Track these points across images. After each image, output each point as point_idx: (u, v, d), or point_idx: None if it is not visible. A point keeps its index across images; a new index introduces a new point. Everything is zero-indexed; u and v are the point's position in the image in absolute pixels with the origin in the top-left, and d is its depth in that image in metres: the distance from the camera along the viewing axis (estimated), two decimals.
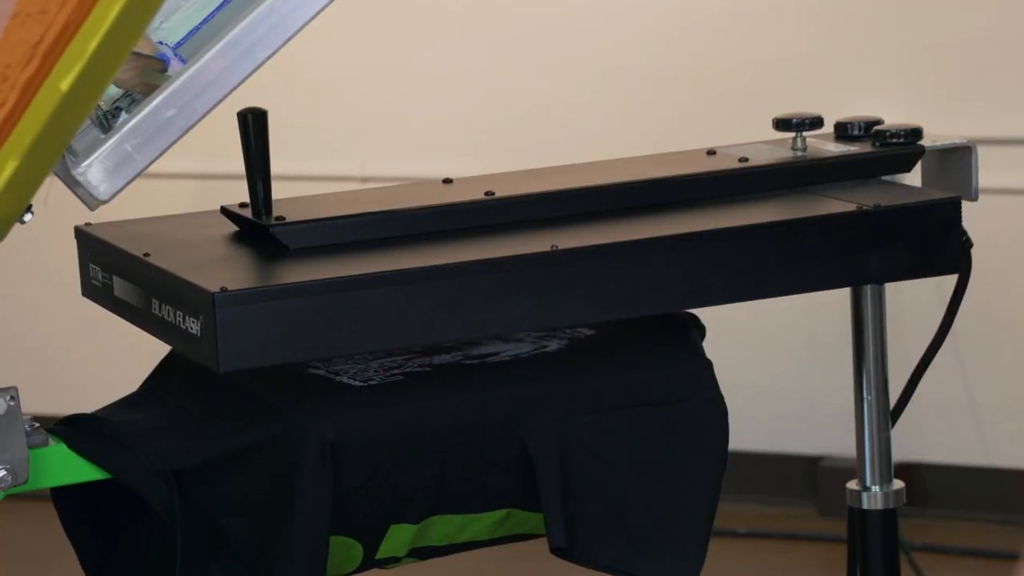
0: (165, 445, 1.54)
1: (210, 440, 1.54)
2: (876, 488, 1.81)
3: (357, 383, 1.59)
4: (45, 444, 1.52)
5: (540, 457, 1.56)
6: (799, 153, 1.81)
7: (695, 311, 1.72)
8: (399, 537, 1.57)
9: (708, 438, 1.61)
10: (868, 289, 1.79)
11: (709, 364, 1.64)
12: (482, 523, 1.60)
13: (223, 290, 1.49)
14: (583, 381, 1.61)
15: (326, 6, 1.48)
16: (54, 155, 1.37)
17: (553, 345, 1.67)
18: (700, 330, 1.71)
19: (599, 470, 1.58)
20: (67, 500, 1.61)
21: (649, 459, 1.59)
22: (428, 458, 1.55)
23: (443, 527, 1.59)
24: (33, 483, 1.51)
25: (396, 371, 1.62)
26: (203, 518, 1.53)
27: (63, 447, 1.54)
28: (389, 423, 1.55)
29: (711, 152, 1.83)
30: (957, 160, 1.79)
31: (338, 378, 1.61)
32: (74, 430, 1.56)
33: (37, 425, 1.53)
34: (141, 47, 1.55)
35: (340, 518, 1.53)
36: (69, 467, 1.54)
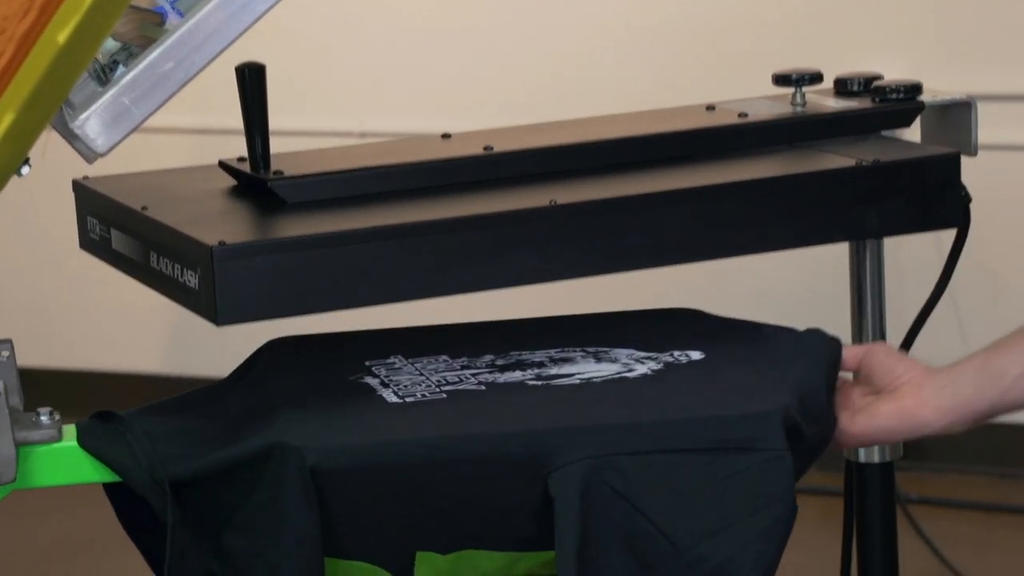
0: (171, 451, 1.47)
1: (210, 450, 1.47)
2: None
3: (393, 399, 1.50)
4: (55, 440, 1.46)
5: (560, 500, 1.41)
6: (799, 108, 1.80)
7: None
8: (430, 565, 1.46)
9: (762, 495, 1.42)
10: (867, 244, 1.79)
11: (779, 409, 1.44)
12: (534, 560, 1.46)
13: (221, 244, 1.49)
14: (636, 416, 1.46)
15: None
16: (51, 108, 1.37)
17: (640, 370, 1.53)
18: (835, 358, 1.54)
19: (627, 519, 1.42)
20: (118, 496, 1.51)
21: (692, 512, 1.42)
22: (436, 491, 1.43)
23: (486, 562, 1.46)
24: (40, 480, 1.46)
25: (448, 387, 1.52)
26: (201, 530, 1.46)
27: (73, 446, 1.47)
28: (387, 451, 1.44)
29: (710, 107, 1.83)
30: (957, 115, 1.79)
31: (379, 392, 1.52)
32: (93, 428, 1.49)
33: (58, 418, 1.47)
34: (139, 0, 1.55)
35: (353, 542, 1.45)
36: (79, 466, 1.47)
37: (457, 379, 1.53)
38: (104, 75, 1.53)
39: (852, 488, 1.84)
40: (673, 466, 1.42)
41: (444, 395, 1.50)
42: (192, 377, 3.67)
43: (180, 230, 1.54)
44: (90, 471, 1.47)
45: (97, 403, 4.24)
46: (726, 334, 1.59)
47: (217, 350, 3.67)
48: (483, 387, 1.52)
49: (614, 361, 1.55)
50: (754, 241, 1.66)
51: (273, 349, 1.61)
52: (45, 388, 3.74)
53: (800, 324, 3.47)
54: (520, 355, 1.57)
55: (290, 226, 1.58)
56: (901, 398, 1.47)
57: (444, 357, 1.57)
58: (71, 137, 1.51)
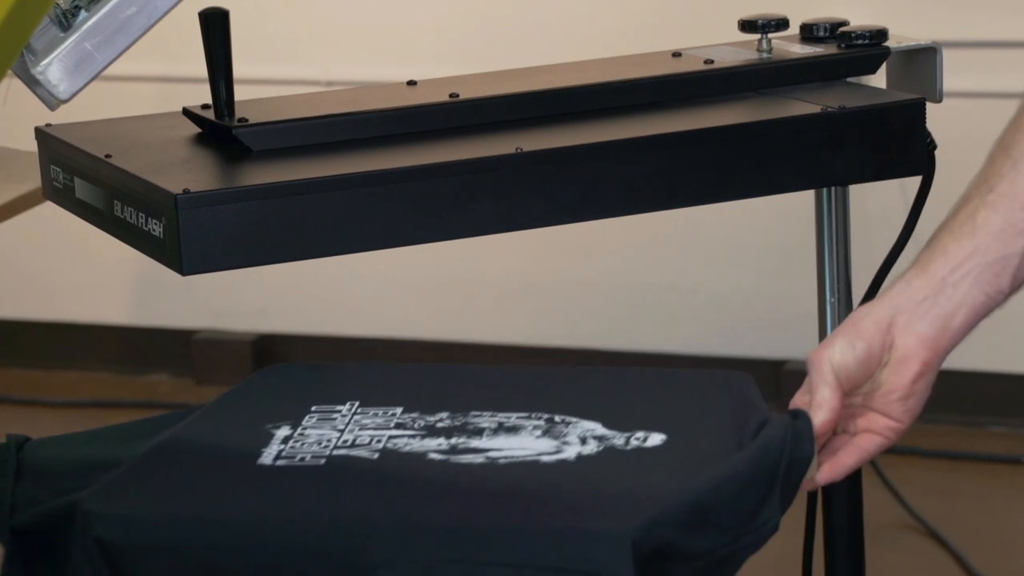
0: (32, 494, 1.37)
1: (44, 500, 1.36)
2: None
3: (268, 460, 1.38)
4: None
5: None
6: (764, 55, 1.80)
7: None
8: None
9: None
10: (832, 191, 1.79)
11: (631, 531, 1.25)
12: None
13: (186, 191, 1.48)
14: (481, 518, 1.30)
15: None
16: (12, 53, 1.36)
17: (568, 453, 1.38)
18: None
19: None
20: None
21: None
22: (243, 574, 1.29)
23: None
24: None
25: (341, 451, 1.40)
26: None
27: None
28: (175, 528, 1.30)
29: (676, 54, 1.83)
30: (922, 62, 1.79)
31: (268, 448, 1.40)
32: None
33: None
34: None
35: None
36: None
37: (367, 440, 1.41)
38: (66, 20, 1.51)
39: None
40: None
41: (323, 461, 1.38)
42: (159, 328, 3.66)
43: (144, 178, 1.53)
44: None
45: (63, 355, 4.22)
46: (723, 418, 1.42)
47: (184, 300, 3.67)
48: (376, 455, 1.38)
49: (556, 438, 1.41)
50: (720, 189, 1.66)
51: (256, 379, 1.56)
52: (9, 340, 3.72)
53: (766, 273, 3.45)
54: (476, 416, 1.45)
55: (255, 174, 1.57)
56: (910, 361, 1.32)
57: (395, 411, 1.46)
58: (33, 83, 1.50)
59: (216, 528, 1.30)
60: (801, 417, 1.33)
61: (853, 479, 1.83)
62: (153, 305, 3.65)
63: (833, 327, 1.81)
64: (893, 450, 3.51)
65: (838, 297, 1.81)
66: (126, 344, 3.67)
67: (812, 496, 1.86)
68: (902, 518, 2.96)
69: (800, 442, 1.32)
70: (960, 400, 3.25)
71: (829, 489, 1.83)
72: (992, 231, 1.32)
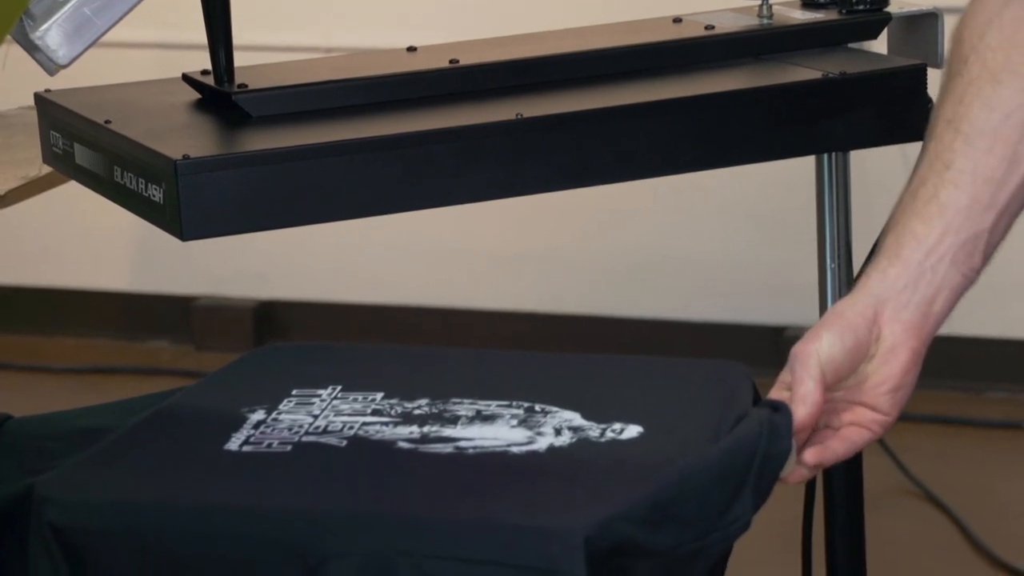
0: (1, 471, 1.36)
1: (21, 479, 1.35)
2: None
3: (234, 446, 1.37)
4: None
5: None
6: (765, 21, 1.80)
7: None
8: None
9: None
10: (833, 157, 1.79)
11: (585, 527, 1.22)
12: None
13: (185, 157, 1.48)
14: (432, 509, 1.28)
15: None
16: (11, 18, 1.35)
17: (541, 444, 1.36)
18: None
19: None
20: None
21: None
22: (190, 564, 1.28)
23: None
24: None
25: (310, 437, 1.38)
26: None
27: None
28: (128, 512, 1.29)
29: (677, 20, 1.82)
30: (923, 27, 1.79)
31: (238, 433, 1.39)
32: None
33: None
34: None
35: None
36: None
37: (339, 427, 1.40)
38: None
39: None
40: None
41: (289, 448, 1.37)
42: (159, 294, 3.66)
43: (144, 144, 1.53)
44: None
45: (63, 321, 4.23)
46: (705, 411, 1.39)
47: (184, 266, 3.67)
48: (344, 443, 1.37)
49: (531, 428, 1.39)
50: (720, 155, 1.66)
51: (248, 357, 1.55)
52: (9, 306, 3.73)
53: (767, 239, 3.43)
54: (456, 403, 1.43)
55: (255, 140, 1.57)
56: (898, 351, 1.32)
57: (376, 396, 1.45)
58: (32, 48, 1.49)
59: (167, 514, 1.29)
60: (781, 410, 1.30)
61: None
62: (153, 271, 3.65)
63: (833, 293, 1.81)
64: None
65: (839, 263, 1.81)
66: (126, 311, 3.68)
67: None
68: (901, 484, 2.97)
69: (777, 437, 1.29)
70: (959, 366, 3.26)
71: None
72: (960, 208, 1.32)
